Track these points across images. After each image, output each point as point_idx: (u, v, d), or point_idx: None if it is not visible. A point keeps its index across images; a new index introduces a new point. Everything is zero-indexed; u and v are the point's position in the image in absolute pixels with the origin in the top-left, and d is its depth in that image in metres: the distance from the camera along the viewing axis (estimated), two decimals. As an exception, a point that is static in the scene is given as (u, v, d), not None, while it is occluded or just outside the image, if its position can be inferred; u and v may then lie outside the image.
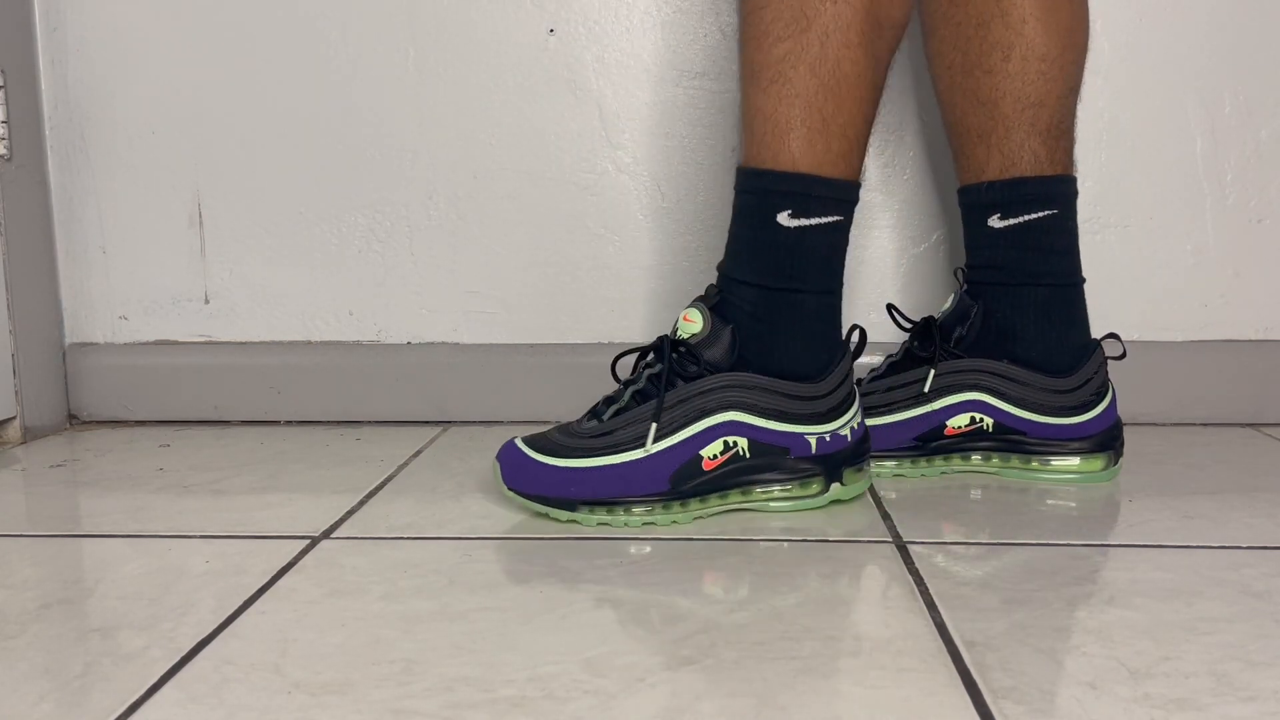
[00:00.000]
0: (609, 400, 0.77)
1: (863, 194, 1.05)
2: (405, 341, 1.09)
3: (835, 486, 0.76)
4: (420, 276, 1.08)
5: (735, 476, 0.75)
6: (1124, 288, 1.03)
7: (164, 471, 0.91)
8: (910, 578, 0.64)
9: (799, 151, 0.73)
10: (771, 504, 0.76)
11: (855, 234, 1.05)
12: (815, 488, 0.76)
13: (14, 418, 1.03)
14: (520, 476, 0.75)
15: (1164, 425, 1.02)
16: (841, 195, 0.75)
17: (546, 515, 0.75)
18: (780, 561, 0.67)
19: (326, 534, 0.73)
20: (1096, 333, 1.00)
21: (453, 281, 1.08)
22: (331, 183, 1.07)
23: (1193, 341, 1.03)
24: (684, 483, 0.73)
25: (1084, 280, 0.85)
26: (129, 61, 1.07)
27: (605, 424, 0.75)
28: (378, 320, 1.09)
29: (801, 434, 0.75)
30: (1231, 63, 1.00)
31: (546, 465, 0.74)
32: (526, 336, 1.08)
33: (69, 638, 0.57)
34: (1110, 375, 0.86)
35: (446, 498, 0.81)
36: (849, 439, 0.76)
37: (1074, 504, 0.78)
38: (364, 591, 0.62)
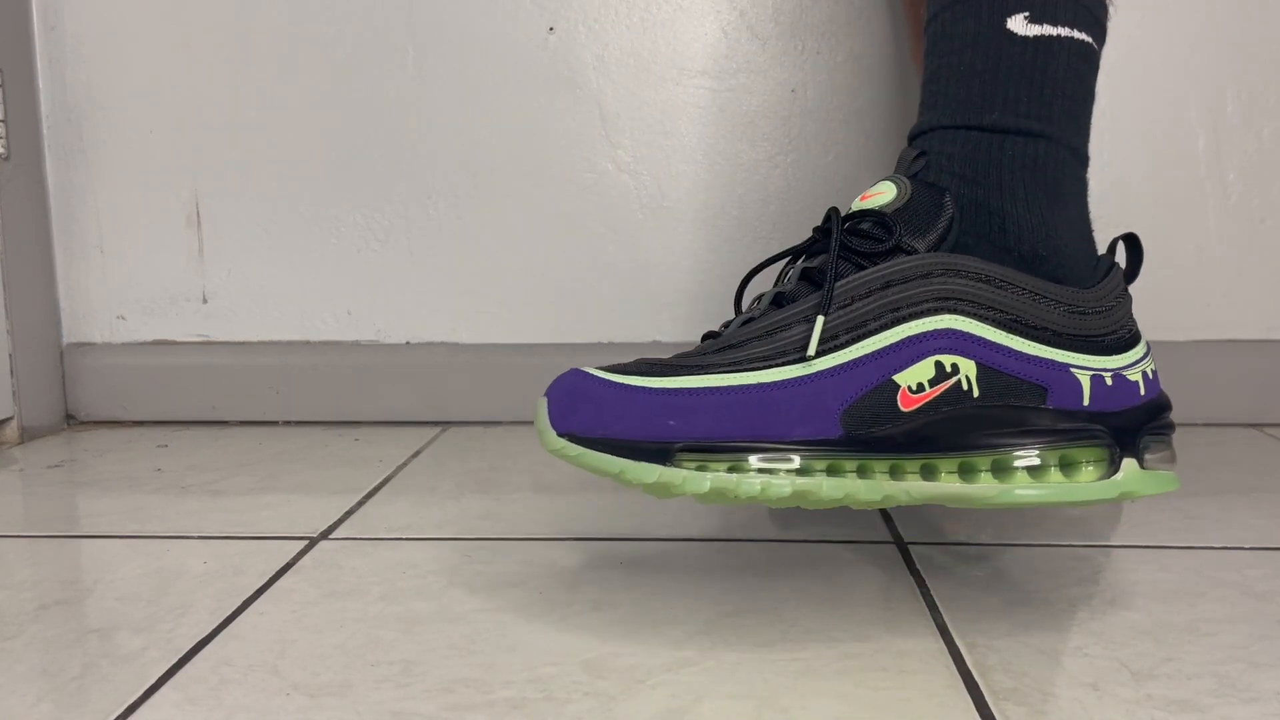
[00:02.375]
0: (735, 323, 0.52)
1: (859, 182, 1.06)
2: (404, 341, 1.09)
3: (1129, 467, 0.48)
4: (420, 276, 1.08)
5: (955, 431, 0.47)
6: (1125, 287, 1.03)
7: (162, 472, 0.90)
8: (912, 578, 0.63)
9: None
10: (1018, 491, 0.47)
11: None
12: (1092, 467, 0.47)
13: (11, 418, 1.03)
14: (583, 414, 0.47)
15: (1165, 425, 1.02)
16: (1094, 5, 0.52)
17: (619, 477, 0.49)
18: (780, 562, 0.66)
19: (325, 535, 0.73)
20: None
21: (452, 281, 1.08)
22: (330, 183, 1.07)
23: (1195, 341, 1.03)
24: (866, 426, 0.46)
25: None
26: (127, 61, 1.07)
27: (733, 333, 0.49)
28: (376, 320, 1.09)
29: (1069, 366, 0.48)
30: (1234, 61, 1.00)
31: (632, 388, 0.46)
32: (526, 336, 1.08)
33: (67, 639, 0.57)
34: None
35: (446, 498, 0.81)
36: (1142, 392, 0.51)
37: (1075, 504, 0.78)
38: (363, 592, 0.62)
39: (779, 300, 0.50)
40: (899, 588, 0.62)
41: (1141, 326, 1.05)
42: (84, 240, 1.10)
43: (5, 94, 1.03)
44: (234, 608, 0.60)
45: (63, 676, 0.52)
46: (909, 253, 0.48)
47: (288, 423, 1.09)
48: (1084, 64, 0.52)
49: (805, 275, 0.50)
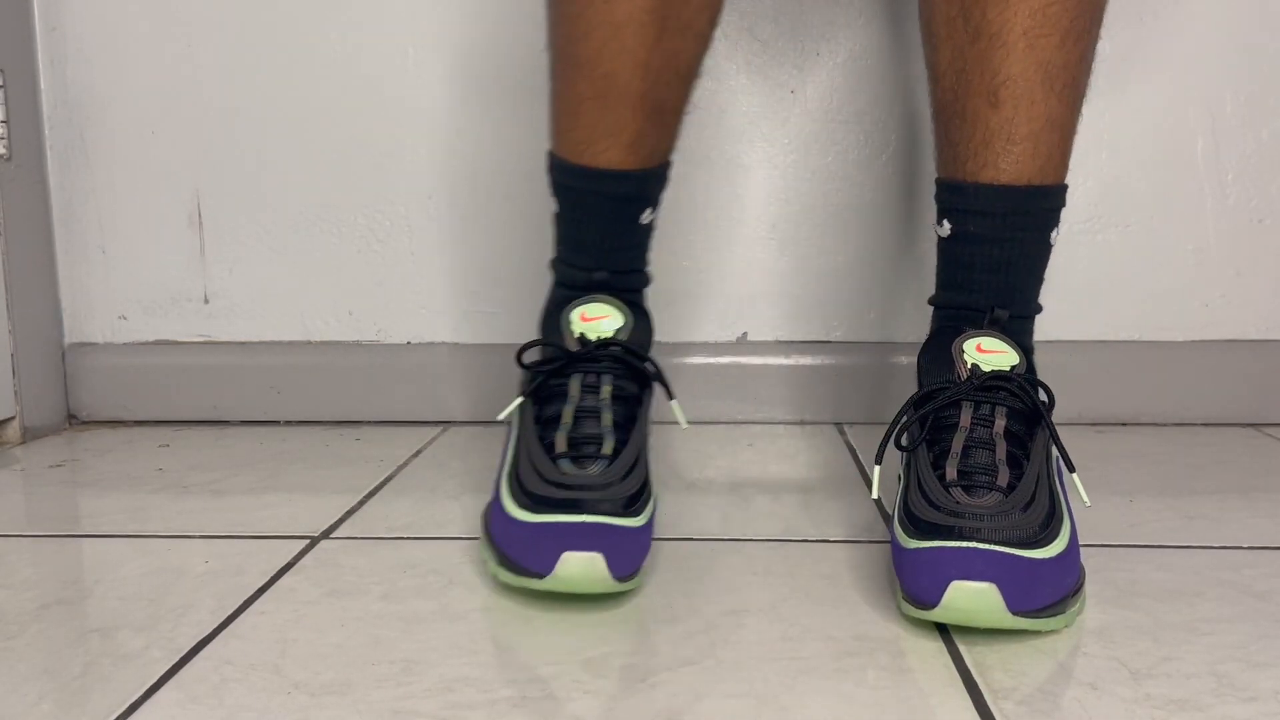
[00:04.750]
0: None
1: (862, 193, 1.06)
2: (405, 341, 1.09)
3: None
4: (420, 276, 1.08)
5: None
6: (1124, 288, 1.03)
7: (163, 472, 0.91)
8: (911, 578, 0.63)
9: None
10: None
11: (856, 233, 1.05)
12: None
13: (13, 418, 1.03)
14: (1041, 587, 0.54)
15: (1164, 425, 1.02)
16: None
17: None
18: (780, 561, 0.67)
19: (326, 534, 0.73)
20: (1093, 331, 1.01)
21: (453, 281, 1.08)
22: (331, 183, 1.07)
23: (1193, 341, 1.03)
24: None
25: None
26: (128, 61, 1.07)
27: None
28: (377, 320, 1.09)
29: None
30: (1232, 62, 1.00)
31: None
32: (526, 337, 1.07)
33: (68, 638, 0.57)
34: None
35: (446, 498, 0.81)
36: None
37: (1074, 504, 0.78)
38: (363, 592, 0.62)
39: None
40: (898, 587, 0.62)
41: (1140, 326, 1.06)
42: (85, 240, 1.10)
43: (7, 94, 1.03)
44: (235, 607, 0.60)
45: (64, 675, 0.52)
46: None
47: (288, 423, 1.09)
48: None
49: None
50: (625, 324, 0.68)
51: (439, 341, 1.09)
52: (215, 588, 0.63)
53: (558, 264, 0.74)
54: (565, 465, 0.62)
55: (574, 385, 0.66)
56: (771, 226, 1.05)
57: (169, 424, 1.10)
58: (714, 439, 0.98)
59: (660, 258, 1.06)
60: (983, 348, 0.64)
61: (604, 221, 0.71)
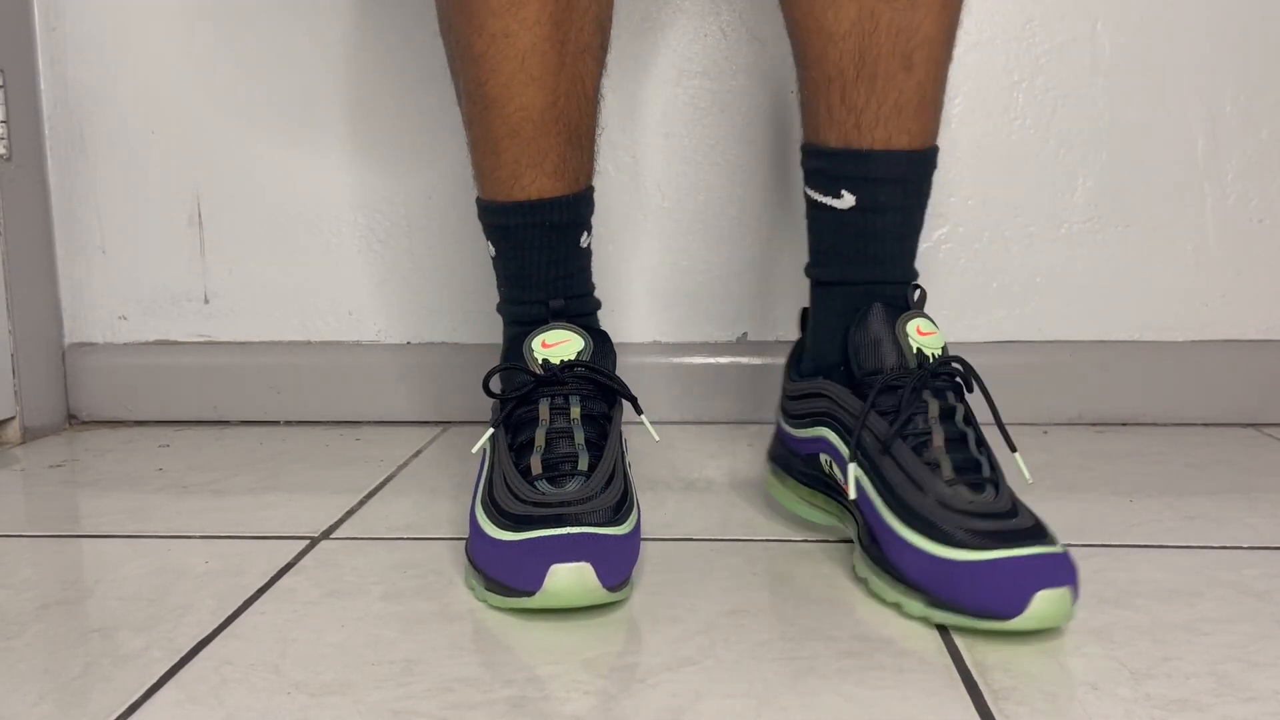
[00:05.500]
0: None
1: (863, 194, 1.05)
2: (405, 341, 1.09)
3: None
4: (420, 276, 1.08)
5: None
6: (1124, 288, 1.03)
7: (163, 472, 0.91)
8: (911, 578, 0.63)
9: None
10: None
11: (855, 234, 1.05)
12: None
13: (13, 418, 1.03)
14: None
15: (1164, 425, 1.02)
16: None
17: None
18: (780, 561, 0.67)
19: (326, 534, 0.73)
20: (1093, 331, 1.00)
21: (453, 281, 1.08)
22: (331, 183, 1.07)
23: (1193, 341, 1.03)
24: None
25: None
26: (128, 61, 1.07)
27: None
28: (377, 320, 1.09)
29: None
30: (1233, 62, 1.00)
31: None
32: (526, 336, 1.08)
33: (68, 638, 0.57)
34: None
35: (446, 498, 0.81)
36: None
37: (1075, 504, 0.78)
38: (364, 592, 0.62)
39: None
40: (898, 587, 0.62)
41: (1140, 326, 1.06)
42: (85, 240, 1.10)
43: (7, 94, 1.03)
44: (235, 607, 0.60)
45: (64, 675, 0.52)
46: None
47: (289, 422, 1.09)
48: None
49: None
50: (586, 346, 0.67)
51: (439, 341, 1.09)
52: (215, 588, 0.63)
53: (507, 306, 0.74)
54: (543, 486, 0.61)
55: (543, 409, 0.65)
56: (772, 226, 1.05)
57: (169, 424, 1.10)
58: (714, 439, 0.98)
59: (660, 258, 1.06)
60: (921, 330, 0.64)
61: (546, 252, 0.71)
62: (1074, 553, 0.67)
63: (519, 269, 0.72)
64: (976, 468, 0.60)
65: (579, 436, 0.64)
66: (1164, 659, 0.52)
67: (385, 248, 1.08)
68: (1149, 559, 0.66)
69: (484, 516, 0.62)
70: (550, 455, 0.63)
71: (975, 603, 0.54)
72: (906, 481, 0.59)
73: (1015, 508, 0.58)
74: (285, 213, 1.08)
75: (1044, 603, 0.52)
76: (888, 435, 0.61)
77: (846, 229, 0.67)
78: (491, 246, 0.74)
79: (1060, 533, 0.71)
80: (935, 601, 0.56)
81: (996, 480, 0.59)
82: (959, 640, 0.55)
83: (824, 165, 0.68)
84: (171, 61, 1.07)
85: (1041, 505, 0.77)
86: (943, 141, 1.02)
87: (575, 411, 0.65)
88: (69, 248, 1.10)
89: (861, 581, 0.62)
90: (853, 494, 0.63)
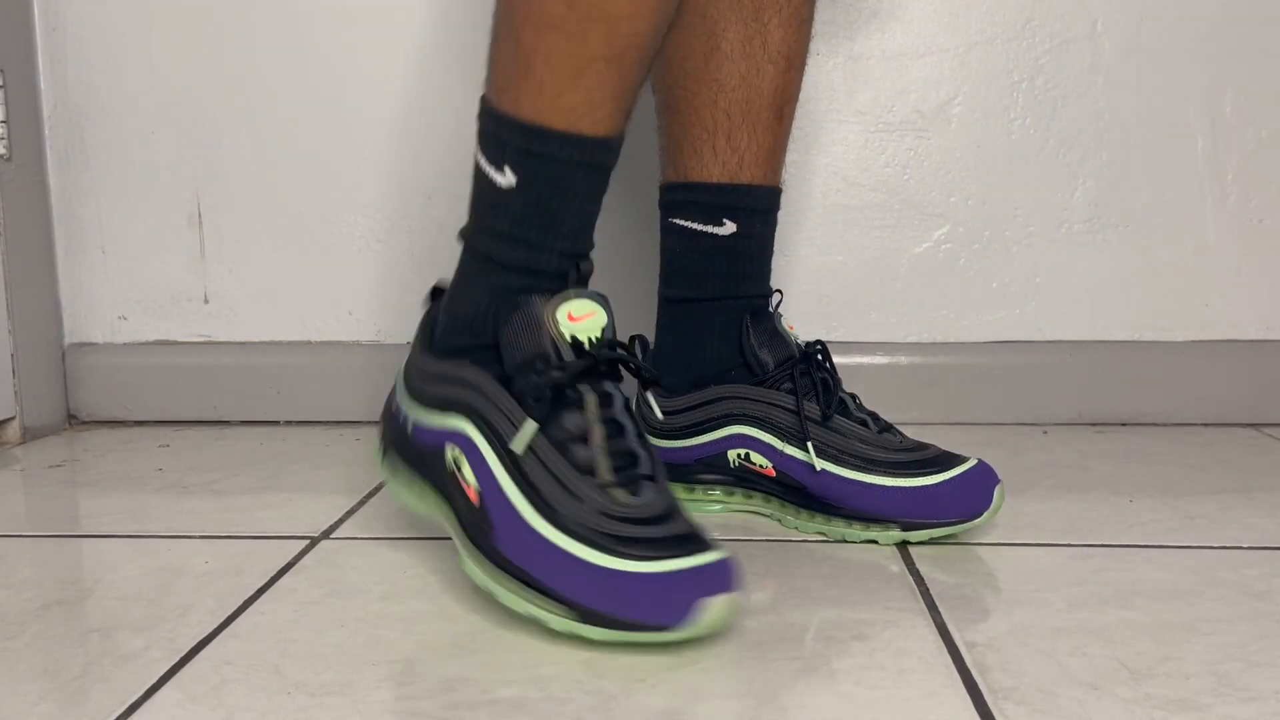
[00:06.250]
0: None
1: (862, 193, 1.06)
2: (405, 342, 1.09)
3: None
4: (420, 276, 1.08)
5: None
6: (1124, 288, 1.03)
7: (163, 472, 0.91)
8: (910, 578, 0.63)
9: None
10: None
11: (857, 233, 1.05)
12: None
13: (13, 418, 1.03)
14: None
15: (1164, 425, 1.02)
16: None
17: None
18: (780, 561, 0.67)
19: (326, 534, 0.73)
20: (1093, 331, 1.00)
21: (453, 281, 1.08)
22: (331, 183, 1.07)
23: (1193, 341, 1.03)
24: None
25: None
26: (128, 61, 1.07)
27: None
28: (378, 320, 1.09)
29: None
30: (1233, 62, 1.00)
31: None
32: (526, 336, 1.07)
33: (68, 638, 0.57)
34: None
35: (446, 498, 0.81)
36: None
37: (1075, 504, 0.78)
38: (364, 592, 0.62)
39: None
40: (899, 588, 0.62)
41: (1140, 326, 1.06)
42: (85, 240, 1.10)
43: (7, 94, 1.03)
44: (235, 607, 0.60)
45: (64, 676, 0.52)
46: None
47: (289, 422, 1.09)
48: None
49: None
50: (609, 321, 0.60)
51: (439, 341, 1.09)
52: (215, 588, 0.63)
53: (507, 245, 0.61)
54: (618, 495, 0.55)
55: (590, 400, 0.58)
56: (771, 226, 1.04)
57: (169, 424, 1.10)
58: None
59: (658, 257, 1.06)
60: (792, 325, 0.78)
61: (590, 200, 0.62)
62: (1072, 552, 0.67)
63: (551, 210, 0.60)
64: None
65: (631, 431, 0.58)
66: (1164, 659, 0.52)
67: (385, 247, 1.08)
68: (1149, 559, 0.66)
69: (565, 537, 0.54)
70: (616, 459, 0.57)
71: (636, 614, 0.52)
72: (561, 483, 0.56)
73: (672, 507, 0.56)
74: (285, 213, 1.08)
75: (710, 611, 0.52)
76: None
77: (725, 253, 0.76)
78: (509, 172, 0.60)
79: (1060, 532, 0.71)
80: (587, 615, 0.53)
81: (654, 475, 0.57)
82: (959, 640, 0.55)
83: (707, 199, 0.76)
84: (171, 61, 1.07)
85: (1041, 505, 0.77)
86: (943, 141, 1.03)
87: (619, 400, 0.59)
88: (69, 248, 1.10)
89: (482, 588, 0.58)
90: (817, 468, 0.71)
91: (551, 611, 0.54)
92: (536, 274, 0.61)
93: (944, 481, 0.68)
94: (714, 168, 0.75)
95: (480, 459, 0.58)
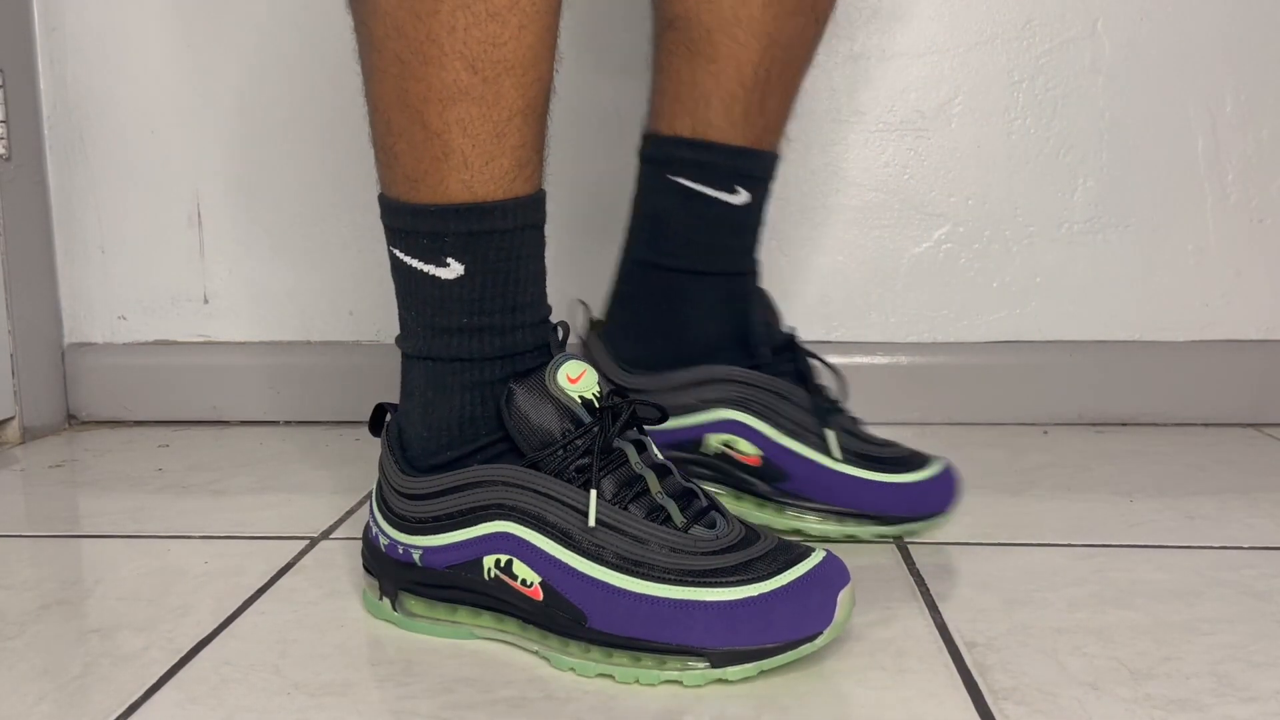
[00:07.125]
0: None
1: (862, 193, 1.06)
2: (405, 341, 1.09)
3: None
4: (420, 276, 1.08)
5: None
6: (1124, 288, 1.03)
7: (163, 472, 0.91)
8: (911, 578, 0.63)
9: None
10: None
11: (856, 233, 1.05)
12: None
13: (13, 418, 1.03)
14: None
15: (1165, 425, 1.02)
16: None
17: None
18: (780, 562, 0.66)
19: (326, 534, 0.73)
20: (1093, 331, 1.00)
21: (452, 281, 1.08)
22: (331, 182, 1.07)
23: (1194, 341, 1.03)
24: None
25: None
26: (128, 61, 1.07)
27: None
28: (378, 320, 1.09)
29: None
30: (1233, 62, 1.00)
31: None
32: (526, 336, 1.07)
33: (68, 638, 0.57)
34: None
35: (446, 498, 0.81)
36: None
37: (1075, 504, 0.78)
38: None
39: None
40: (899, 588, 0.62)
41: (1140, 326, 1.06)
42: (85, 240, 1.10)
43: (6, 94, 1.03)
44: (235, 607, 0.60)
45: (64, 676, 0.52)
46: None
47: (289, 422, 1.09)
48: None
49: None
50: (595, 374, 0.57)
51: (439, 341, 1.09)
52: (215, 588, 0.63)
53: (473, 336, 0.57)
54: (702, 533, 0.54)
55: (630, 452, 0.56)
56: (771, 226, 1.04)
57: (169, 424, 1.10)
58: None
59: (660, 258, 1.06)
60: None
61: (535, 261, 0.58)
62: (1073, 552, 0.67)
63: (509, 288, 0.57)
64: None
65: (675, 470, 0.57)
66: (1164, 659, 0.52)
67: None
68: (1149, 559, 0.66)
69: (675, 587, 0.52)
70: (679, 500, 0.55)
71: (780, 635, 0.51)
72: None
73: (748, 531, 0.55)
74: (285, 213, 1.08)
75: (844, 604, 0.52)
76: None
77: (733, 223, 0.70)
78: (453, 263, 0.56)
79: (1061, 532, 0.71)
80: (724, 657, 0.51)
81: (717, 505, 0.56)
82: (960, 641, 0.55)
83: (724, 161, 0.69)
84: (171, 61, 1.07)
85: (1042, 505, 0.77)
86: (943, 141, 1.03)
87: (650, 444, 0.58)
88: (68, 248, 1.10)
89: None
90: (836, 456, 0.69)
91: (687, 668, 0.51)
92: (517, 357, 0.57)
93: (927, 479, 0.69)
94: (742, 129, 0.68)
95: (537, 552, 0.53)
